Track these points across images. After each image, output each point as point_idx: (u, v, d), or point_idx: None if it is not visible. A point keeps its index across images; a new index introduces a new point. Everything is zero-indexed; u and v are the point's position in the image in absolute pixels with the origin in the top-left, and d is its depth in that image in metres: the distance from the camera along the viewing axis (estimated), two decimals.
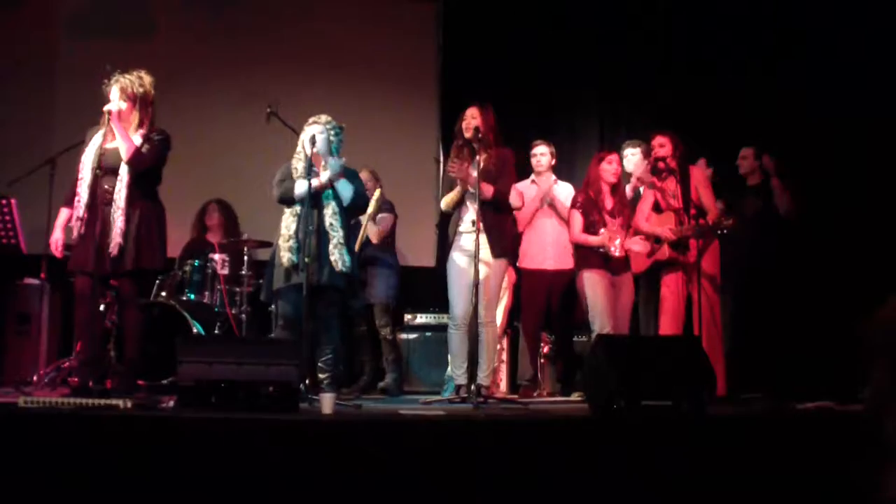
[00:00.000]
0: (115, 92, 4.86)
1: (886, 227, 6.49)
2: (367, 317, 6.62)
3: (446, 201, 5.58)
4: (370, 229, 6.48)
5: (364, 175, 6.50)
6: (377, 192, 6.34)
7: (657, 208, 6.07)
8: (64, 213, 4.93)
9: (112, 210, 4.73)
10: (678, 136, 6.02)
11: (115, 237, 4.70)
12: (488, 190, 5.35)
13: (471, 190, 5.35)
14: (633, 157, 6.61)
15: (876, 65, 6.81)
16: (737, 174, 6.57)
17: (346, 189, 5.23)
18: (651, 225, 6.05)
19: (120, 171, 4.78)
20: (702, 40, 7.57)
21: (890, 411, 1.29)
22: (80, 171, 4.82)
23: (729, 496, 3.61)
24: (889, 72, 6.69)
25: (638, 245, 5.99)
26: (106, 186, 4.77)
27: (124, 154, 4.77)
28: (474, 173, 5.27)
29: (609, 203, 6.03)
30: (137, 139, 4.83)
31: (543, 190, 6.48)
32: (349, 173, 5.32)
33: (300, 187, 5.18)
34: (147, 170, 4.86)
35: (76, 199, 4.78)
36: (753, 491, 3.62)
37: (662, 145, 5.98)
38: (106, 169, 4.78)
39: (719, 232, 5.72)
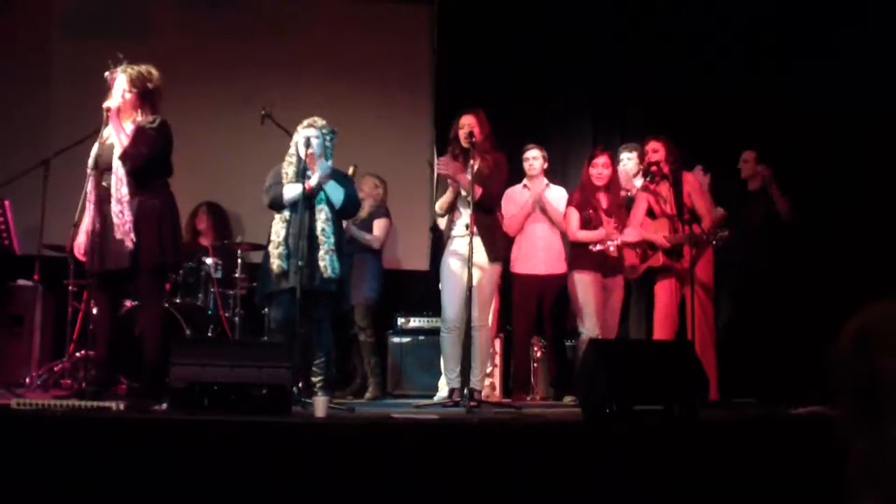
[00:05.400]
0: (121, 80, 4.72)
1: (883, 231, 6.48)
2: (353, 319, 6.58)
3: (440, 204, 5.59)
4: (369, 236, 6.54)
5: (369, 181, 6.59)
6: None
7: (651, 214, 6.07)
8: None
9: (112, 206, 4.63)
10: (672, 142, 6.03)
11: (117, 235, 4.58)
12: (477, 191, 5.35)
13: (463, 193, 5.36)
14: (629, 162, 6.61)
15: (876, 65, 6.81)
16: (736, 179, 6.53)
17: (336, 192, 5.21)
18: (645, 231, 6.04)
19: (114, 166, 4.64)
20: (701, 41, 7.58)
21: (854, 447, 1.28)
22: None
23: (720, 501, 3.61)
24: (889, 72, 6.69)
25: (632, 235, 5.95)
26: (104, 184, 4.67)
27: (117, 150, 4.66)
28: (468, 177, 5.28)
29: (604, 202, 6.02)
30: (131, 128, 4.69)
31: (535, 194, 6.47)
32: (338, 176, 5.31)
33: (290, 192, 5.16)
34: (147, 163, 4.66)
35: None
36: (745, 496, 3.62)
37: (656, 150, 5.99)
38: (104, 167, 4.68)
39: (713, 242, 5.72)
